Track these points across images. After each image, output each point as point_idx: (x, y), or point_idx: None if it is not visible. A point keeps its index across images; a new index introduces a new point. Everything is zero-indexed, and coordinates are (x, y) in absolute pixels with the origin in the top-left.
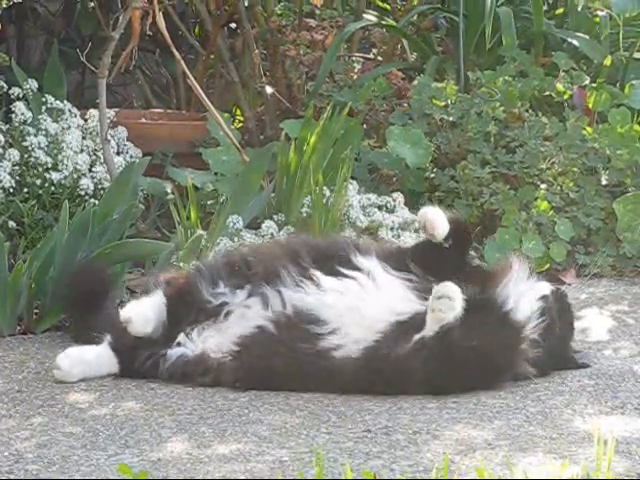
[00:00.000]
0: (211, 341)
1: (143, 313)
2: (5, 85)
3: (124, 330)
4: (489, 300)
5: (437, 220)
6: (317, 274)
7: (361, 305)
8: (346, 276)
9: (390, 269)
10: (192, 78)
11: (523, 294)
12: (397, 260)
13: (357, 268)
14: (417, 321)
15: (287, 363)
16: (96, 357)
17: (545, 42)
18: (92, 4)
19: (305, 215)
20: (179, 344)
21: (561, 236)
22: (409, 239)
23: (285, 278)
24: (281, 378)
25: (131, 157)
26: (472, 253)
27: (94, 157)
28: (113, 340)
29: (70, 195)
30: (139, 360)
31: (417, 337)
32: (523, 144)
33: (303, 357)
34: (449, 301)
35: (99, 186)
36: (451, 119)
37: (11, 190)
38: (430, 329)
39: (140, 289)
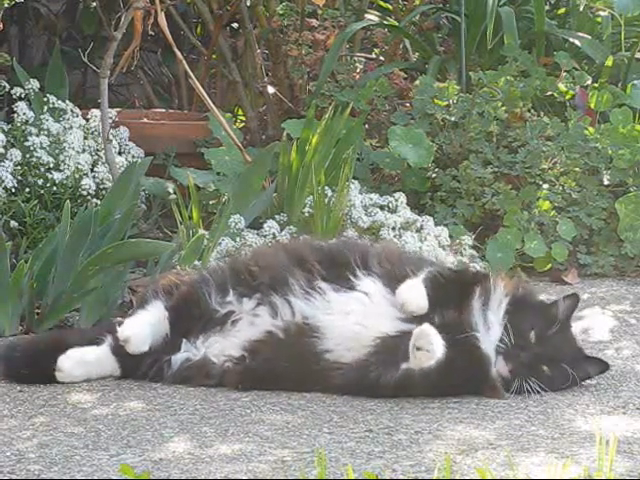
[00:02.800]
0: (216, 346)
1: (141, 333)
2: (7, 85)
3: None
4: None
5: (414, 300)
6: (324, 286)
7: (362, 324)
8: (351, 292)
9: (390, 290)
10: (194, 78)
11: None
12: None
13: (359, 285)
14: (407, 342)
15: (290, 368)
16: (97, 359)
17: (547, 42)
18: (94, 4)
19: (307, 215)
20: (183, 351)
21: (563, 236)
22: (411, 239)
23: (293, 286)
24: (283, 382)
25: (133, 157)
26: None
27: (96, 157)
28: (115, 343)
29: (72, 195)
30: (142, 366)
31: (404, 366)
32: (525, 144)
33: (302, 363)
34: (428, 353)
35: (101, 186)
36: (453, 119)
37: (13, 190)
38: (414, 365)
39: (139, 290)
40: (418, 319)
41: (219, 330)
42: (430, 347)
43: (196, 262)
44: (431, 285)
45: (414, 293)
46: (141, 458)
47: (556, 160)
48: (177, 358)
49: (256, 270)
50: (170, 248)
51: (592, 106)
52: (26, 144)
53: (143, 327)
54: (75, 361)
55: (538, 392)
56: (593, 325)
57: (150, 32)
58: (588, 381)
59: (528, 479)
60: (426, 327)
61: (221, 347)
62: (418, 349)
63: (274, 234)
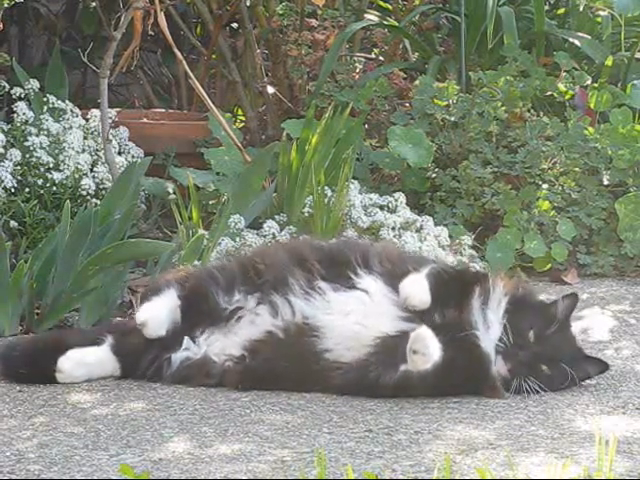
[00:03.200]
0: (217, 345)
1: (158, 316)
2: (7, 85)
3: (127, 334)
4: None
5: (417, 294)
6: (324, 286)
7: (362, 324)
8: (351, 291)
9: (391, 288)
10: (194, 78)
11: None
12: (400, 278)
13: (360, 283)
14: (406, 342)
15: (290, 368)
16: (98, 360)
17: (547, 42)
18: (94, 4)
19: (307, 215)
20: (184, 349)
21: (563, 236)
22: (410, 239)
23: (293, 286)
24: (283, 382)
25: (133, 157)
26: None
27: (96, 157)
28: (115, 343)
29: (72, 195)
30: (142, 365)
31: (403, 368)
32: (525, 144)
33: (302, 363)
34: (424, 357)
35: (101, 186)
36: (453, 119)
37: (13, 190)
38: (411, 368)
39: (139, 290)
40: (419, 318)
41: (223, 326)
42: (426, 351)
43: (196, 262)
44: (434, 281)
45: (417, 287)
46: (141, 458)
47: (556, 160)
48: (177, 357)
49: (262, 268)
50: (170, 248)
51: (592, 106)
52: (26, 144)
53: (160, 311)
54: (75, 362)
55: (537, 391)
56: (593, 325)
57: (150, 32)
58: (588, 381)
59: (528, 479)
60: (422, 331)
61: (222, 346)
62: (414, 352)
63: (274, 234)
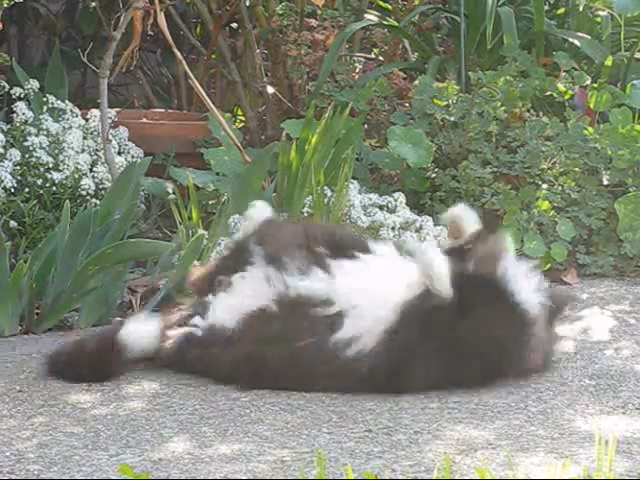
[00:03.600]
0: (224, 313)
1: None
2: (6, 85)
3: (170, 324)
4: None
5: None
6: (328, 261)
7: (373, 282)
8: (358, 258)
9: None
10: (193, 78)
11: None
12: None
13: (371, 252)
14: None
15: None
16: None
17: (546, 42)
18: (93, 4)
19: (307, 215)
20: (193, 325)
21: (562, 236)
22: (410, 239)
23: (292, 267)
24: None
25: (132, 157)
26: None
27: (95, 157)
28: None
29: (71, 195)
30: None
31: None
32: (524, 144)
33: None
34: (433, 275)
35: (100, 186)
36: (452, 119)
37: (12, 190)
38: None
39: (138, 290)
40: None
41: (240, 276)
42: (431, 266)
43: (195, 262)
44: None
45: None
46: (140, 458)
47: (555, 160)
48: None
49: (271, 248)
50: (170, 248)
51: (591, 106)
52: (25, 144)
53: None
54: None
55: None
56: (593, 325)
57: (149, 32)
58: (587, 381)
59: (528, 479)
60: (429, 252)
61: (228, 313)
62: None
63: None
